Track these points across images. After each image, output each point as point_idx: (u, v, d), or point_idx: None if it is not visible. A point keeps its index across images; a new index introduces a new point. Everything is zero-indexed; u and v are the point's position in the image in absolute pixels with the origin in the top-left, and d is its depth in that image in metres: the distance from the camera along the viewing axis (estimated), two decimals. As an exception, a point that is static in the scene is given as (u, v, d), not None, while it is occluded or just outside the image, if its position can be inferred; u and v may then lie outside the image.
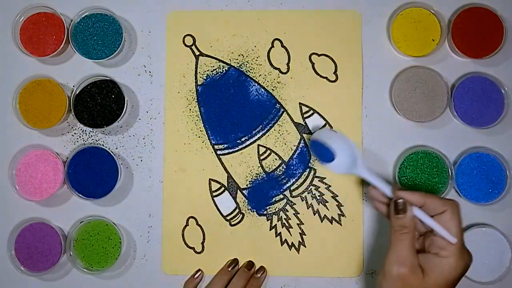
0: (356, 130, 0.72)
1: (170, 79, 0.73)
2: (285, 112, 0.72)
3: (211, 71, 0.73)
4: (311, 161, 0.72)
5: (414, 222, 0.57)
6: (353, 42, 0.73)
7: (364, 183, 0.71)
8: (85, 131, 0.73)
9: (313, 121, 0.72)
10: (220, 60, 0.73)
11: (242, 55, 0.73)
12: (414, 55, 0.71)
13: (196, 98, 0.73)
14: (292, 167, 0.72)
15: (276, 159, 0.72)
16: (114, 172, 0.71)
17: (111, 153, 0.71)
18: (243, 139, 0.72)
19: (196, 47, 0.73)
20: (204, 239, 0.72)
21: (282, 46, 0.73)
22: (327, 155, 0.65)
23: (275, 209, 0.72)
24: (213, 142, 0.72)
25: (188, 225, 0.72)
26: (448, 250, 0.56)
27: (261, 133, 0.72)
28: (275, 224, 0.72)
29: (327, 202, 0.72)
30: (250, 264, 0.71)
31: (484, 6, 0.71)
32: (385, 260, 0.57)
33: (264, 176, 0.72)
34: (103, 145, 0.73)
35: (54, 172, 0.71)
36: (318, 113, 0.72)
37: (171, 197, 0.72)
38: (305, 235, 0.71)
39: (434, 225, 0.56)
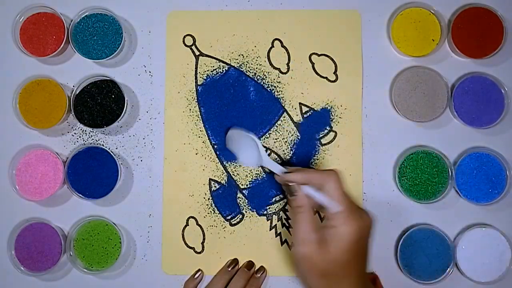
0: (356, 130, 0.72)
1: (170, 79, 0.73)
2: (285, 112, 0.72)
3: (211, 71, 0.73)
4: (311, 161, 0.72)
5: (307, 199, 0.58)
6: (353, 42, 0.73)
7: (364, 182, 0.71)
8: (85, 131, 0.73)
9: (313, 121, 0.72)
10: (220, 60, 0.73)
11: (242, 55, 0.73)
12: (414, 55, 0.71)
13: (196, 98, 0.73)
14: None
15: (276, 159, 0.72)
16: (114, 172, 0.71)
17: (111, 153, 0.71)
18: (243, 139, 0.72)
19: (196, 47, 0.73)
20: (204, 239, 0.72)
21: (282, 46, 0.73)
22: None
23: (275, 209, 0.72)
24: (213, 142, 0.72)
25: (188, 225, 0.72)
26: (337, 218, 0.57)
27: (261, 133, 0.72)
28: (275, 224, 0.72)
29: (327, 202, 0.72)
30: (250, 264, 0.71)
31: (484, 6, 0.71)
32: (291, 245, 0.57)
33: (264, 176, 0.72)
34: (103, 145, 0.73)
35: (54, 172, 0.71)
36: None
37: (171, 197, 0.72)
38: (305, 235, 0.71)
39: (319, 198, 0.58)
